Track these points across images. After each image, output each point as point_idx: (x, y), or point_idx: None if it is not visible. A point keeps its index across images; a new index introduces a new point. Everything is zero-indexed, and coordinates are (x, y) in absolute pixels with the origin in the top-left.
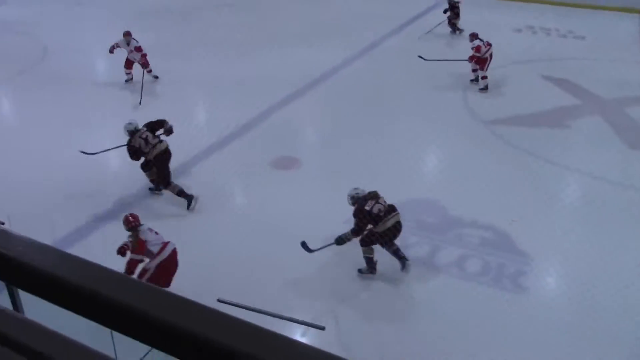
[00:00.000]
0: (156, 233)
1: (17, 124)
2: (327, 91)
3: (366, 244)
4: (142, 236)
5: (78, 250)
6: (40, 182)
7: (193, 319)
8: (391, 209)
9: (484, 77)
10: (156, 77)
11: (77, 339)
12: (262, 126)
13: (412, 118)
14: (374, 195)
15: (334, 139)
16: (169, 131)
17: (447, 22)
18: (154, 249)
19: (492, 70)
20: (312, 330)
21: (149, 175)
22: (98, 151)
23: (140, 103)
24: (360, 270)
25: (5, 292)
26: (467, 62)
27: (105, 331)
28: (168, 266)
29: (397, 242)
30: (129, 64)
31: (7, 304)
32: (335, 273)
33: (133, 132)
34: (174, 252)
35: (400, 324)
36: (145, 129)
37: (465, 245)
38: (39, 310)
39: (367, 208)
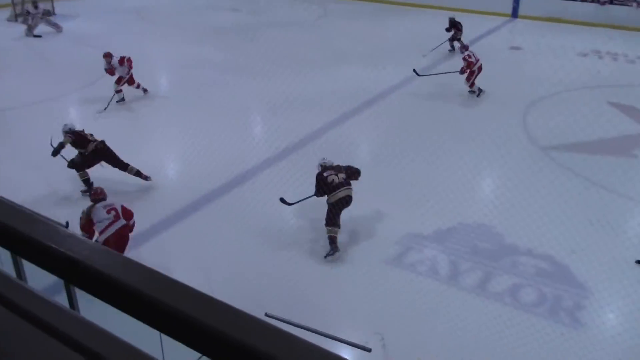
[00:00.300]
0: (109, 212)
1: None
2: (384, 110)
3: (329, 223)
4: (93, 215)
5: (143, 253)
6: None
7: (244, 329)
8: (346, 183)
9: (472, 85)
10: (145, 91)
11: (127, 340)
12: (317, 142)
13: (469, 140)
14: (336, 168)
15: (387, 158)
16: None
17: (449, 40)
18: (99, 227)
19: (555, 95)
20: (357, 351)
21: (81, 176)
22: None
23: (104, 109)
24: (325, 256)
25: (63, 292)
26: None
27: (154, 335)
28: (113, 242)
29: (450, 264)
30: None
31: (64, 302)
32: (383, 294)
33: (68, 132)
34: (117, 232)
35: (447, 350)
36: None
37: (520, 274)
38: (93, 310)
39: (324, 175)
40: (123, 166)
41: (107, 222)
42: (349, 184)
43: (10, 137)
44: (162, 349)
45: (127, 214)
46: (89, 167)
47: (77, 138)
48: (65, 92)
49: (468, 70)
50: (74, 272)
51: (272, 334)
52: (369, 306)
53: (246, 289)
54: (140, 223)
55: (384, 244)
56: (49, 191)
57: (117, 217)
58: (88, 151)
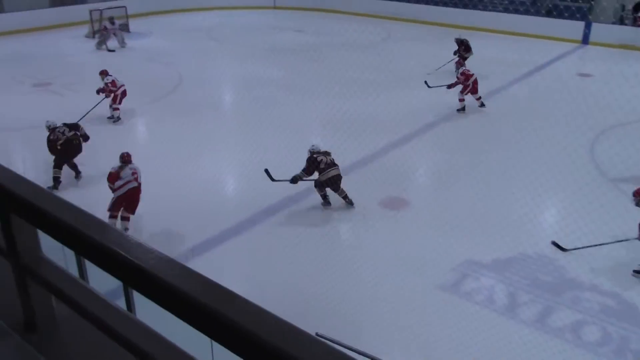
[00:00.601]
0: (133, 174)
1: (151, 145)
2: (446, 134)
3: (318, 186)
4: (120, 172)
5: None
6: (167, 200)
7: (296, 344)
8: (333, 164)
9: (461, 100)
10: (118, 119)
11: (179, 344)
12: (376, 164)
13: (533, 168)
14: (324, 152)
15: (446, 183)
16: (84, 136)
17: (456, 60)
18: (119, 184)
19: (628, 125)
20: None
21: (55, 173)
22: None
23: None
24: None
25: (122, 296)
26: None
27: (205, 341)
28: (126, 199)
29: (509, 295)
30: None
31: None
32: (437, 321)
33: (52, 129)
34: (129, 191)
35: None
36: (63, 126)
37: (583, 311)
38: (149, 313)
39: (315, 157)
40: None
41: (126, 181)
42: (336, 164)
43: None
44: (213, 356)
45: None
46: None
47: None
48: (135, 106)
49: (462, 85)
50: (139, 278)
51: (325, 352)
52: (422, 332)
53: (298, 307)
54: (199, 234)
55: (439, 269)
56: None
57: (135, 180)
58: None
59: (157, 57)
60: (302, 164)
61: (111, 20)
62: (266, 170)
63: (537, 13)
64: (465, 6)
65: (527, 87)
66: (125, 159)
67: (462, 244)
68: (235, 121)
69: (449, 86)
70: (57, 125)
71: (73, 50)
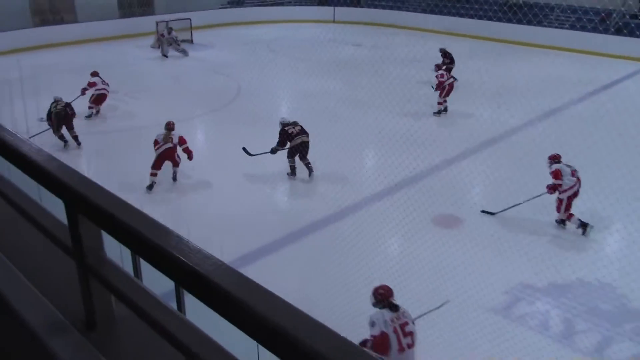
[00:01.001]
0: (168, 137)
1: (206, 153)
2: (502, 153)
3: (290, 156)
4: (158, 137)
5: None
6: (218, 207)
7: (347, 358)
8: (302, 132)
9: (440, 103)
10: (89, 117)
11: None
12: (431, 180)
13: (597, 191)
14: (293, 123)
15: (503, 202)
16: (71, 110)
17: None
18: (158, 146)
19: None
20: None
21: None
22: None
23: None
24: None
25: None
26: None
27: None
28: (163, 157)
29: (565, 322)
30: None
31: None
32: (488, 344)
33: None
34: (165, 150)
35: None
36: (64, 103)
37: None
38: (199, 314)
39: (286, 129)
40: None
41: (162, 144)
42: (306, 133)
43: (141, 154)
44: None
45: (182, 140)
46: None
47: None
48: (194, 115)
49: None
50: (197, 283)
51: None
52: (472, 356)
53: (345, 321)
54: (251, 243)
55: (492, 291)
56: (168, 201)
57: (170, 142)
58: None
59: (217, 68)
60: (357, 177)
61: (169, 30)
62: (243, 148)
63: (605, 31)
64: (529, 22)
65: (593, 107)
66: (170, 126)
67: (517, 266)
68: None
69: (437, 87)
70: (56, 100)
71: (139, 59)
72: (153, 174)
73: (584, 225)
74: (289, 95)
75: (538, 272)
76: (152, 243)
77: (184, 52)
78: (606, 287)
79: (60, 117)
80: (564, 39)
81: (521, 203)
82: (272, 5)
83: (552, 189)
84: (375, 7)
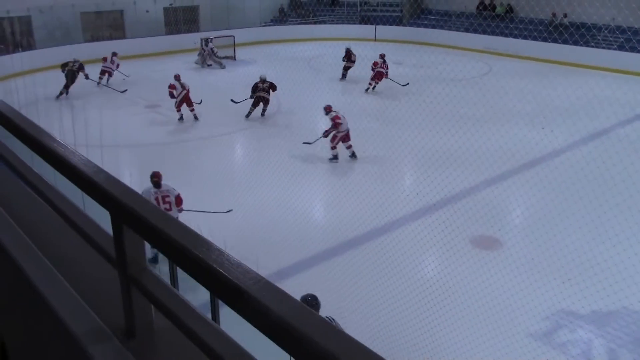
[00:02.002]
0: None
1: (246, 167)
2: (545, 174)
3: (252, 106)
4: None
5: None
6: (254, 220)
7: None
8: (266, 90)
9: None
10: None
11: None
12: (470, 200)
13: None
14: (263, 80)
15: (546, 226)
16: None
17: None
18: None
19: None
20: None
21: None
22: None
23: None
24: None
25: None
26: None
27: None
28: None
29: (609, 352)
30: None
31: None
32: None
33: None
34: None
35: None
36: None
37: None
38: (233, 324)
39: (256, 83)
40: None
41: (180, 90)
42: (270, 91)
43: (185, 165)
44: None
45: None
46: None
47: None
48: (233, 130)
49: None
50: (236, 297)
51: None
52: None
53: (379, 343)
54: (287, 258)
55: (531, 317)
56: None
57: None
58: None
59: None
60: (394, 195)
61: (206, 41)
62: (232, 100)
63: None
64: (575, 42)
65: (636, 131)
66: (177, 77)
67: (559, 292)
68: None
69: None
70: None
71: (182, 75)
72: (178, 110)
73: (353, 155)
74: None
75: (581, 298)
76: (193, 255)
77: (221, 65)
78: None
79: (71, 74)
80: (612, 60)
81: None
82: (314, 23)
83: (329, 131)
84: (418, 25)
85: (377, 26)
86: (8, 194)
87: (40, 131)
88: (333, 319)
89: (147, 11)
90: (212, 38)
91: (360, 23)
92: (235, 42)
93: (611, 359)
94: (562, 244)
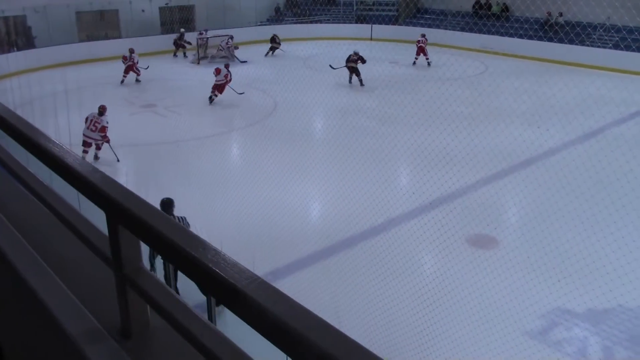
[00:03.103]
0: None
1: (242, 167)
2: (541, 173)
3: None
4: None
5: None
6: (250, 220)
7: None
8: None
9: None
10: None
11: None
12: (467, 199)
13: (638, 215)
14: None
15: (542, 224)
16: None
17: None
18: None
19: None
20: None
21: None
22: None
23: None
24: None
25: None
26: None
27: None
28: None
29: (604, 349)
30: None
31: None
32: None
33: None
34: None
35: None
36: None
37: None
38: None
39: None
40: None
41: (219, 79)
42: (355, 62)
43: (181, 166)
44: None
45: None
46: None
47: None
48: (230, 129)
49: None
50: (232, 297)
51: None
52: None
53: (376, 342)
54: (283, 258)
55: (527, 315)
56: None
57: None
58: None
59: (254, 83)
60: (390, 194)
61: (227, 40)
62: (330, 65)
63: None
64: (571, 41)
65: (636, 128)
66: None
67: (555, 290)
68: (326, 149)
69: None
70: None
71: (178, 74)
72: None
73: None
74: (324, 111)
75: (576, 296)
76: (189, 255)
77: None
78: None
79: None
80: (607, 59)
81: None
82: (310, 22)
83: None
84: (414, 25)
85: (373, 25)
86: (3, 194)
87: (35, 131)
88: (184, 219)
89: (143, 10)
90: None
91: (356, 22)
92: (233, 42)
93: (606, 356)
94: (558, 242)
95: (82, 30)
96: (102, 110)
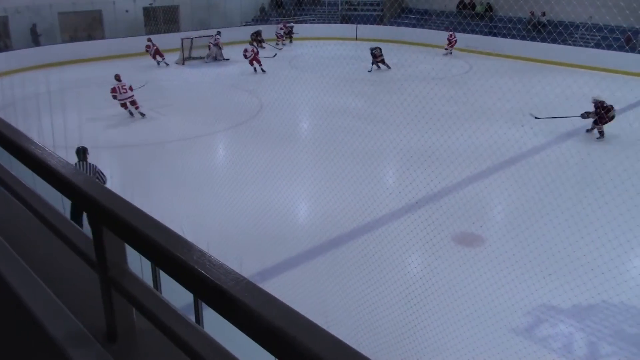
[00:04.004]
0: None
1: (228, 168)
2: (525, 171)
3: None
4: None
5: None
6: (237, 221)
7: None
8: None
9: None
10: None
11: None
12: (452, 197)
13: (622, 211)
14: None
15: (526, 222)
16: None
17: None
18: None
19: None
20: None
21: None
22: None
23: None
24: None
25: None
26: None
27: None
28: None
29: (589, 345)
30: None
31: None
32: None
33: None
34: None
35: None
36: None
37: None
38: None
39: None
40: None
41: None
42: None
43: (167, 167)
44: None
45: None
46: None
47: None
48: (215, 130)
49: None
50: (218, 298)
51: None
52: None
53: (364, 340)
54: (271, 258)
55: (513, 312)
56: (191, 215)
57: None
58: None
59: (240, 84)
60: (377, 194)
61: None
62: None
63: (632, 50)
64: (553, 40)
65: (618, 126)
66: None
67: (540, 287)
68: (312, 149)
69: None
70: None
71: (164, 75)
72: None
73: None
74: (310, 111)
75: (562, 293)
76: (174, 257)
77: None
78: (632, 309)
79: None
80: (589, 58)
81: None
82: (295, 22)
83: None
84: (399, 25)
85: (358, 25)
86: None
87: (18, 133)
88: (95, 167)
89: (127, 11)
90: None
91: (341, 22)
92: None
93: (591, 351)
94: (543, 239)
95: (64, 31)
96: (118, 77)
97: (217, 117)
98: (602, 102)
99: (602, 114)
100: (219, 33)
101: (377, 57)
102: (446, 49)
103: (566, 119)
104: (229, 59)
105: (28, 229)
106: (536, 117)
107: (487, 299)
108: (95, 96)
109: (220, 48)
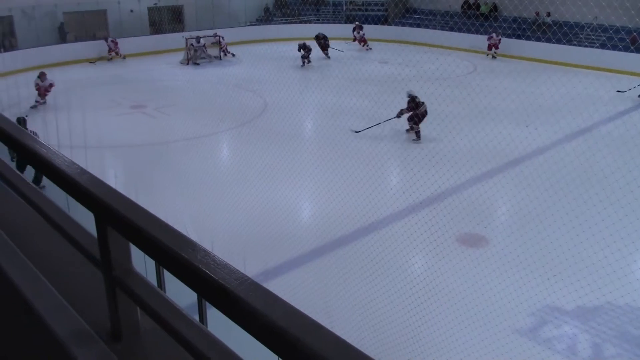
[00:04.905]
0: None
1: (232, 168)
2: (530, 172)
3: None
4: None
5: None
6: (241, 221)
7: None
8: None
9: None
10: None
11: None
12: (456, 198)
13: (629, 212)
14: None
15: (531, 223)
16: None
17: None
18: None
19: None
20: None
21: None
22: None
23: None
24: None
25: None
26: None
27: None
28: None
29: (594, 346)
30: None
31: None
32: None
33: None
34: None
35: None
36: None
37: None
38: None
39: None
40: None
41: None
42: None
43: (171, 167)
44: None
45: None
46: None
47: None
48: (220, 130)
49: None
50: (222, 298)
51: None
52: None
53: (368, 342)
54: (274, 258)
55: (517, 313)
56: (195, 215)
57: None
58: None
59: (244, 84)
60: (380, 194)
61: (198, 39)
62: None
63: (637, 50)
64: (558, 41)
65: (624, 126)
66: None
67: (544, 288)
68: (316, 149)
69: None
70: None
71: (168, 75)
72: None
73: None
74: (315, 112)
75: (566, 294)
76: (178, 256)
77: (210, 58)
78: (637, 311)
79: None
80: (594, 58)
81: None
82: (299, 22)
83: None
84: (403, 25)
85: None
86: None
87: (23, 132)
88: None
89: (132, 11)
90: (199, 37)
91: (345, 22)
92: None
93: (596, 353)
94: (547, 240)
95: (70, 31)
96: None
97: (222, 117)
98: (415, 97)
99: (413, 107)
100: (222, 37)
101: (322, 46)
102: (490, 52)
103: (387, 122)
104: (234, 55)
105: (33, 228)
106: (356, 132)
107: (491, 300)
108: (99, 96)
109: (222, 49)
